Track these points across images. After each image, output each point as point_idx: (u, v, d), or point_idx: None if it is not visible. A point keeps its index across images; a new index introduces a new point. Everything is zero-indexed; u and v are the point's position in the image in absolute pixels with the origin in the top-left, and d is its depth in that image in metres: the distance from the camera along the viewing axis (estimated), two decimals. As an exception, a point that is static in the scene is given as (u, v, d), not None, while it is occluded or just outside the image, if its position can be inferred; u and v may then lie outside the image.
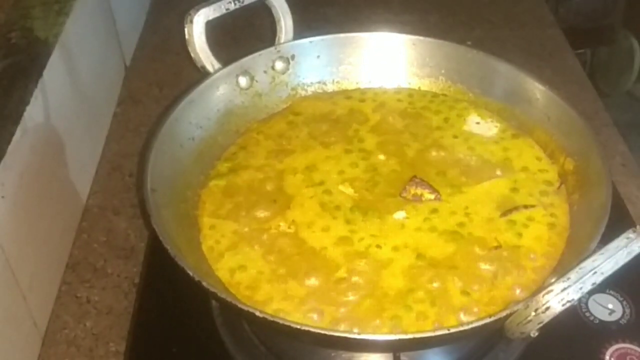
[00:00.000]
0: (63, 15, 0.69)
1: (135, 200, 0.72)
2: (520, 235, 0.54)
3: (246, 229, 0.54)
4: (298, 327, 0.42)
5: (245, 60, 0.63)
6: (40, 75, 0.62)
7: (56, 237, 0.66)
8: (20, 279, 0.56)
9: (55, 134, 0.66)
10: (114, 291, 0.64)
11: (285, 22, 0.65)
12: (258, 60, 0.64)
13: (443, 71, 0.67)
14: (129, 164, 0.77)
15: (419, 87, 0.68)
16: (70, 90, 0.71)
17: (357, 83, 0.68)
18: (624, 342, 0.57)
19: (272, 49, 0.65)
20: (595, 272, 0.41)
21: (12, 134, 0.56)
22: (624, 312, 0.60)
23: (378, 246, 0.53)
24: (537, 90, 0.61)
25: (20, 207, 0.57)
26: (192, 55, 0.60)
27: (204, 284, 0.44)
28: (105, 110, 0.84)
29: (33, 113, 0.59)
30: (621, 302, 0.60)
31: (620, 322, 0.59)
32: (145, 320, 0.60)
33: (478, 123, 0.64)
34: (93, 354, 0.59)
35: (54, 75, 0.66)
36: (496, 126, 0.64)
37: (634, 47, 1.13)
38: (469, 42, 0.69)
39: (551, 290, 0.41)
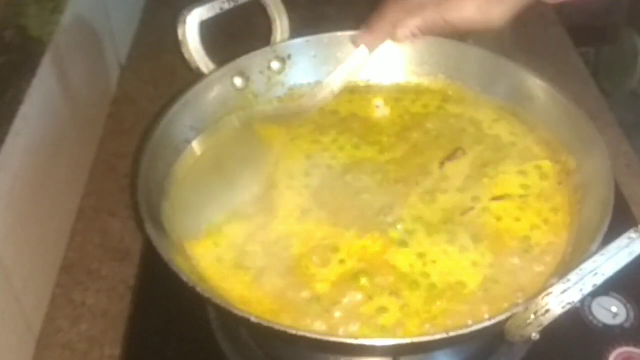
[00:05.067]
0: (57, 13, 0.69)
1: (130, 201, 0.72)
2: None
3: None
4: (294, 332, 0.42)
5: (241, 61, 0.62)
6: (34, 74, 0.61)
7: (50, 239, 0.65)
8: (14, 281, 0.55)
9: (49, 134, 0.65)
10: (109, 294, 0.64)
11: (281, 21, 0.64)
12: (254, 60, 0.63)
13: (443, 69, 0.66)
14: (124, 164, 0.76)
15: (418, 86, 0.67)
16: (65, 90, 0.70)
17: (355, 82, 0.67)
18: (627, 345, 0.57)
19: (267, 48, 0.64)
20: (596, 274, 0.40)
21: (6, 134, 0.55)
22: (627, 315, 0.59)
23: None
24: (539, 88, 0.60)
25: (14, 208, 0.56)
26: (186, 56, 0.60)
27: (199, 289, 0.44)
28: (100, 110, 0.83)
29: (27, 113, 0.59)
30: (625, 305, 0.59)
31: (624, 325, 0.58)
32: (141, 324, 0.60)
33: None
34: (88, 358, 0.59)
35: (48, 74, 0.65)
36: None
37: (637, 46, 1.12)
38: (469, 40, 0.68)
39: (551, 293, 0.40)
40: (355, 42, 0.61)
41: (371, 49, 0.60)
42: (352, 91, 0.67)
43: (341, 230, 0.53)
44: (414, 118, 0.64)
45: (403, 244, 0.52)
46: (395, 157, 0.60)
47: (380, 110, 0.66)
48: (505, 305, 0.48)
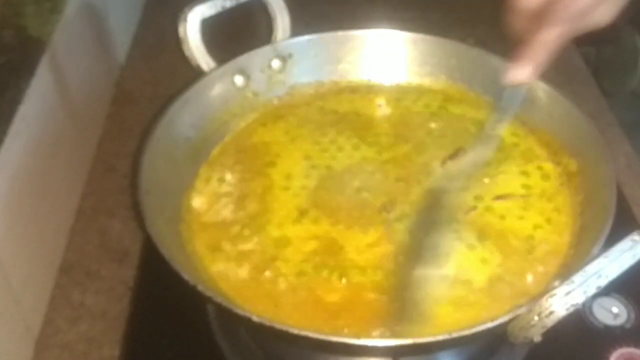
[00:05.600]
0: (56, 13, 0.69)
1: (129, 201, 0.71)
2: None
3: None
4: (295, 332, 0.42)
5: (241, 59, 0.62)
6: (32, 74, 0.61)
7: (49, 240, 0.65)
8: (13, 282, 0.55)
9: (48, 134, 0.65)
10: (108, 295, 0.63)
11: (282, 20, 0.64)
12: (254, 59, 0.63)
13: (444, 69, 0.66)
14: (123, 164, 0.76)
15: (419, 86, 0.67)
16: (64, 89, 0.70)
17: (356, 82, 0.67)
18: (628, 346, 0.57)
19: (268, 47, 0.64)
20: (599, 276, 0.40)
21: (4, 134, 0.55)
22: (628, 316, 0.59)
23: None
24: (539, 88, 0.60)
25: (13, 208, 0.56)
26: (187, 54, 0.59)
27: (200, 288, 0.44)
28: (99, 110, 0.83)
29: (25, 113, 0.58)
30: (626, 306, 0.60)
31: (625, 326, 0.58)
32: (140, 324, 0.59)
33: None
34: (87, 358, 0.59)
35: (47, 74, 0.65)
36: None
37: (638, 46, 1.12)
38: (470, 40, 0.68)
39: (555, 294, 0.40)
40: (509, 79, 0.51)
41: (531, 79, 0.50)
42: (352, 91, 0.67)
43: (342, 228, 0.53)
44: (415, 118, 0.64)
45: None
46: (395, 157, 0.60)
47: (381, 109, 0.66)
48: (510, 305, 0.48)
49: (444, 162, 0.59)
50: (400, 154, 0.61)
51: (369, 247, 0.52)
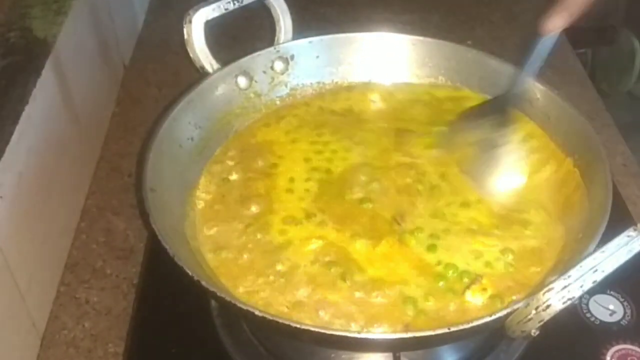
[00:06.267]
0: (62, 15, 0.69)
1: (134, 200, 0.72)
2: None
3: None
4: (297, 326, 0.42)
5: (245, 61, 0.63)
6: (38, 75, 0.62)
7: (55, 238, 0.66)
8: (19, 279, 0.56)
9: (54, 134, 0.66)
10: (112, 292, 0.64)
11: (285, 22, 0.65)
12: (257, 60, 0.64)
13: (443, 71, 0.67)
14: (127, 164, 0.77)
15: (419, 87, 0.68)
16: (69, 90, 0.70)
17: (356, 83, 0.68)
18: (624, 342, 0.57)
19: (271, 49, 0.64)
20: (596, 270, 0.41)
21: (11, 134, 0.56)
22: (624, 312, 0.60)
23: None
24: (537, 90, 0.61)
25: (19, 207, 0.57)
26: (191, 55, 0.60)
27: (203, 283, 0.44)
28: (104, 110, 0.84)
29: (31, 113, 0.59)
30: (622, 302, 0.60)
31: (621, 322, 0.59)
32: (144, 321, 0.60)
33: None
34: (92, 355, 0.59)
35: (53, 75, 0.65)
36: None
37: (635, 47, 1.12)
38: (469, 42, 0.69)
39: (552, 288, 0.41)
40: (542, 31, 0.55)
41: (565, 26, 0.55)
42: (349, 89, 0.68)
43: (347, 238, 0.53)
44: (408, 110, 0.65)
45: (432, 248, 0.53)
46: (386, 151, 0.61)
47: (375, 104, 0.67)
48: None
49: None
50: (389, 146, 0.61)
51: (382, 257, 0.52)
